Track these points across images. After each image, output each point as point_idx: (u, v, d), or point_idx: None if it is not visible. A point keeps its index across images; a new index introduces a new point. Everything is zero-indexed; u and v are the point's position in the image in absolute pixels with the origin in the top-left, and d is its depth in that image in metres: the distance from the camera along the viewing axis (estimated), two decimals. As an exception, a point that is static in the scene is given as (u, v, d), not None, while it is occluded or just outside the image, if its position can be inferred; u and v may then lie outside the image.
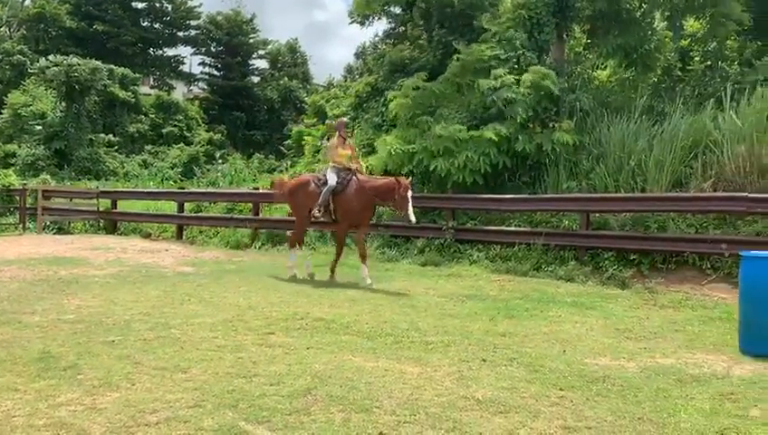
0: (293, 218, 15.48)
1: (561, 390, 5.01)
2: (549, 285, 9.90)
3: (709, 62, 17.67)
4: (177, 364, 5.56)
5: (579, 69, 16.03)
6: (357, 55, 48.32)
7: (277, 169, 27.31)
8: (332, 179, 10.17)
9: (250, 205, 16.07)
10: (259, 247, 14.64)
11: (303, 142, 22.10)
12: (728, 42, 17.55)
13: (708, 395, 4.87)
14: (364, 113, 19.00)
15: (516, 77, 13.31)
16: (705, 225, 10.71)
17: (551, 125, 13.15)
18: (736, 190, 10.56)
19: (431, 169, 12.95)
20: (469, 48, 14.40)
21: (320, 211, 10.25)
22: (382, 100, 17.58)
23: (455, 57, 14.41)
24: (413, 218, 9.55)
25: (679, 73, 18.19)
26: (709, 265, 10.09)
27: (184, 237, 16.57)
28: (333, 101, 24.23)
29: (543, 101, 13.17)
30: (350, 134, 10.92)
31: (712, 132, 11.46)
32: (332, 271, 10.35)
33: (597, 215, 11.35)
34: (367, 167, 14.59)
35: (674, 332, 6.96)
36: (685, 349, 6.22)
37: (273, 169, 27.89)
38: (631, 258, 10.66)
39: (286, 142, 27.89)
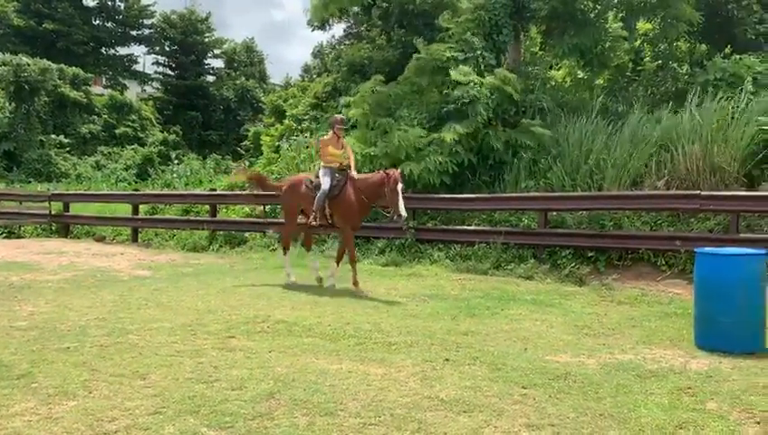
0: (254, 220, 15.46)
1: (523, 388, 5.04)
2: (509, 283, 9.99)
3: (660, 62, 18.08)
4: (135, 370, 5.44)
5: (536, 69, 16.20)
6: (315, 55, 48.12)
7: (233, 170, 27.04)
8: (326, 183, 9.47)
9: (207, 206, 15.86)
10: (217, 250, 14.46)
11: (261, 143, 21.88)
12: (678, 43, 17.98)
13: (667, 390, 4.96)
14: (323, 113, 18.96)
15: (477, 78, 13.38)
16: (659, 222, 10.95)
17: (521, 121, 13.27)
18: (689, 188, 10.81)
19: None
20: (428, 48, 14.45)
21: (316, 219, 9.62)
22: (341, 99, 17.55)
23: (414, 56, 14.43)
24: (403, 212, 8.84)
25: (629, 74, 18.59)
26: (664, 262, 10.30)
27: (139, 240, 16.27)
28: (292, 100, 24.06)
29: (504, 102, 13.28)
30: (346, 132, 10.26)
31: (668, 132, 11.69)
32: (355, 283, 9.37)
33: (555, 213, 11.49)
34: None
35: (631, 328, 7.08)
36: (643, 344, 6.33)
37: (230, 170, 27.59)
38: (588, 256, 10.83)
39: (243, 143, 27.58)
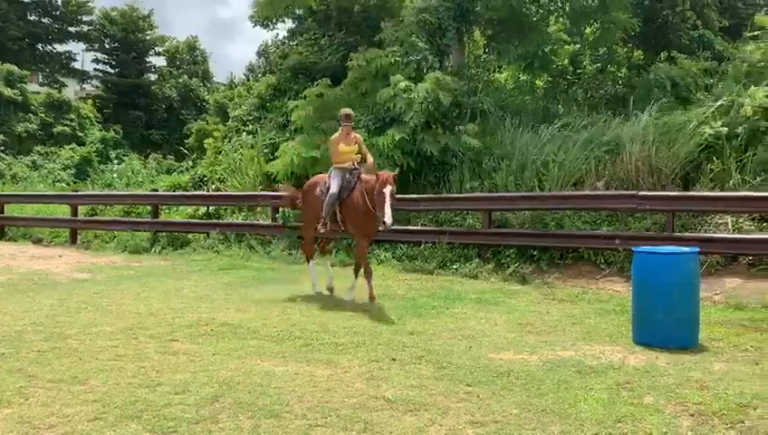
0: (196, 221, 15.24)
1: (468, 385, 5.12)
2: (454, 282, 10.09)
3: (599, 66, 18.56)
4: (74, 376, 5.30)
5: (479, 72, 16.43)
6: (259, 54, 47.66)
7: (176, 170, 26.53)
8: (334, 186, 8.66)
9: (149, 207, 15.55)
10: (159, 251, 14.17)
11: (205, 143, 21.56)
12: (616, 47, 18.48)
13: (606, 385, 5.10)
14: (267, 113, 18.77)
15: (414, 83, 13.42)
16: (598, 222, 11.22)
17: (457, 128, 13.40)
18: (628, 189, 11.12)
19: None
20: (368, 53, 14.44)
21: (324, 225, 8.81)
22: (286, 100, 17.43)
23: (354, 62, 14.43)
24: (388, 220, 7.77)
25: (569, 77, 19.04)
26: (603, 260, 10.56)
27: (78, 242, 15.82)
28: (236, 100, 23.77)
29: (441, 105, 13.37)
30: (353, 126, 9.17)
31: (613, 135, 12.02)
32: (371, 298, 8.48)
33: (499, 213, 11.67)
34: (276, 173, 14.40)
35: (572, 325, 7.25)
36: (583, 341, 6.49)
37: (173, 171, 27.08)
38: (531, 255, 11.03)
39: (187, 143, 27.12)
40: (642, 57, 18.35)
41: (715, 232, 10.13)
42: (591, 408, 4.60)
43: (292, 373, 5.38)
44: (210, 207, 15.35)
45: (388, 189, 7.88)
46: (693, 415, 4.50)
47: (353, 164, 8.74)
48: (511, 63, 17.62)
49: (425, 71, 13.88)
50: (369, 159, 8.87)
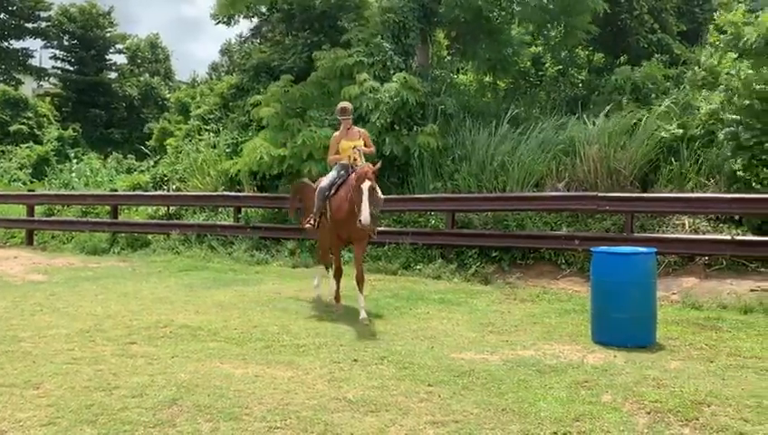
0: (156, 222, 15.01)
1: (429, 385, 5.12)
2: (417, 283, 10.11)
3: (561, 68, 18.78)
4: (28, 380, 5.17)
5: (442, 73, 16.50)
6: (222, 52, 47.19)
7: (137, 170, 26.11)
8: (326, 179, 8.02)
9: (108, 208, 15.28)
10: (118, 252, 13.93)
11: (166, 143, 21.25)
12: (577, 51, 18.73)
13: (565, 384, 5.15)
14: (230, 113, 18.59)
15: (379, 83, 13.42)
16: (558, 222, 11.35)
17: (415, 129, 13.42)
18: (588, 190, 11.27)
19: (304, 172, 12.89)
20: (332, 53, 14.38)
21: (313, 222, 8.12)
22: (249, 99, 17.28)
23: (318, 61, 14.37)
24: (363, 218, 6.98)
25: (531, 79, 19.24)
26: (564, 261, 10.68)
27: (35, 243, 15.46)
28: (198, 99, 23.48)
29: (407, 105, 13.40)
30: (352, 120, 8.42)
31: (571, 137, 12.16)
32: (336, 299, 8.16)
33: (462, 214, 11.73)
34: (238, 172, 14.24)
35: (533, 324, 7.32)
36: (543, 340, 6.55)
37: (133, 170, 26.60)
38: (493, 255, 11.11)
39: (149, 142, 26.65)
40: (602, 60, 18.63)
41: (672, 233, 10.33)
42: (550, 407, 4.64)
43: (253, 376, 5.33)
44: (171, 208, 15.14)
45: (366, 185, 7.10)
46: (649, 413, 4.57)
47: (353, 159, 7.89)
48: (473, 65, 17.75)
49: (391, 71, 13.87)
50: (367, 149, 8.23)
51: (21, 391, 4.93)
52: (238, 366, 5.60)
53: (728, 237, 9.67)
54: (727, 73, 11.39)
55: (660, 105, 12.22)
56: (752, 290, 8.88)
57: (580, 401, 4.79)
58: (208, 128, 18.45)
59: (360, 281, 7.72)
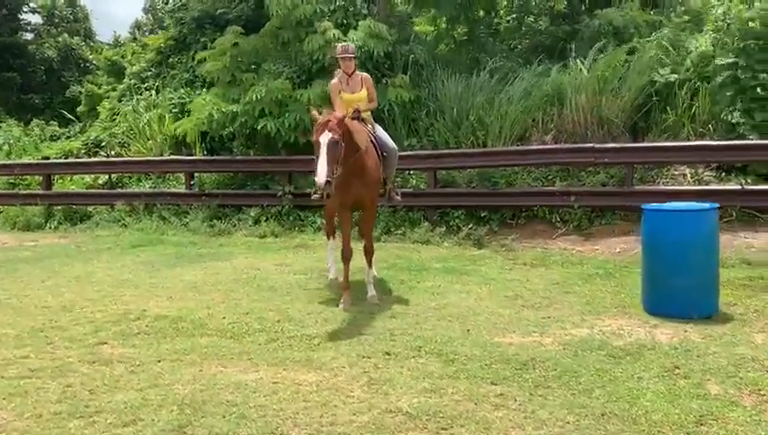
0: (97, 191, 13.49)
1: (493, 384, 4.17)
2: (407, 249, 9.12)
3: (515, 17, 17.83)
4: (-26, 408, 3.96)
5: (404, 20, 15.32)
6: (146, 10, 44.30)
7: (63, 137, 24.08)
8: (324, 140, 5.84)
9: (39, 178, 13.65)
10: (56, 227, 12.44)
11: (99, 106, 19.40)
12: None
13: (654, 372, 4.27)
14: (170, 69, 16.96)
15: (344, 31, 12.23)
16: (549, 177, 10.52)
17: (384, 81, 12.29)
18: (577, 142, 10.45)
19: (258, 128, 11.64)
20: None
21: (317, 191, 6.08)
22: (192, 54, 15.74)
23: (273, 12, 12.95)
24: (318, 178, 5.61)
25: (485, 29, 18.22)
26: (558, 219, 9.91)
27: (-44, 221, 13.70)
28: (130, 57, 21.57)
29: (375, 55, 12.22)
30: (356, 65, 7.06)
31: (555, 85, 11.27)
32: (344, 286, 6.47)
33: (444, 172, 10.77)
34: (185, 134, 12.81)
35: (563, 294, 6.43)
36: (589, 314, 5.67)
37: (58, 137, 24.49)
38: (481, 216, 10.23)
39: (79, 109, 24.52)
40: (565, 7, 17.77)
41: (672, 185, 9.64)
42: (657, 406, 3.76)
43: (270, 383, 4.24)
44: (113, 175, 13.62)
45: (325, 138, 5.67)
46: (774, 405, 3.75)
47: (356, 112, 6.44)
48: (428, 13, 16.63)
49: (352, 18, 12.63)
50: (370, 104, 7.00)
51: (-32, 423, 3.74)
52: (246, 370, 4.50)
53: (738, 187, 9.03)
54: (717, 13, 10.69)
55: (651, 43, 11.42)
56: (769, 243, 8.31)
57: (685, 395, 3.92)
58: (146, 86, 16.78)
59: (368, 252, 6.61)
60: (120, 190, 13.23)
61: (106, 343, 5.19)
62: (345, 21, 12.64)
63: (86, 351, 4.98)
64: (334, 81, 7.00)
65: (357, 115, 6.49)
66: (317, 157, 5.71)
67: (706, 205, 5.76)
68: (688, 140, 10.05)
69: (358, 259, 6.82)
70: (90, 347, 5.08)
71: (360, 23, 12.32)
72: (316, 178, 5.68)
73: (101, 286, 7.23)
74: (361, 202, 6.51)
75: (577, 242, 9.35)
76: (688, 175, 9.87)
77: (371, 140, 6.60)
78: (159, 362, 4.71)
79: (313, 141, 5.81)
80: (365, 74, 7.22)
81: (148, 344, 5.12)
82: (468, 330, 5.30)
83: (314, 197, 6.62)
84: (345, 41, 11.76)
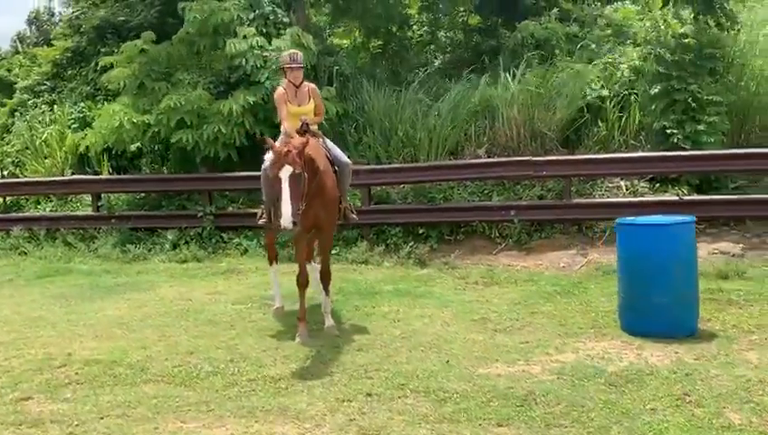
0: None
1: (498, 425, 3.74)
2: (348, 271, 8.58)
3: (426, 30, 17.75)
4: None
5: (324, 33, 14.88)
6: (30, 22, 41.75)
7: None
8: (269, 157, 5.66)
9: None
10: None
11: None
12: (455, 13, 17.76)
13: (665, 403, 3.95)
14: (68, 82, 15.71)
15: (267, 39, 11.62)
16: (485, 192, 10.28)
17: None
18: (511, 155, 10.29)
19: (173, 141, 10.83)
20: (203, 3, 12.25)
21: (262, 215, 6.11)
22: (92, 65, 14.62)
23: (188, 17, 12.14)
24: (283, 219, 5.03)
25: (395, 44, 18.05)
26: (498, 233, 9.64)
27: None
28: (19, 70, 19.95)
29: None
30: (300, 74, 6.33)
31: (482, 98, 11.08)
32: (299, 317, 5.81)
33: (378, 188, 10.33)
34: (87, 148, 11.78)
35: (531, 315, 6.09)
36: (567, 337, 5.34)
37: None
38: (419, 232, 9.83)
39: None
40: (479, 22, 17.82)
41: (608, 197, 9.61)
42: (686, 442, 3.42)
43: (244, 441, 3.62)
44: (8, 198, 12.34)
45: (285, 173, 5.06)
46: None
47: (304, 126, 5.85)
48: (345, 26, 16.29)
49: (273, 28, 12.02)
50: (316, 117, 6.36)
51: None
52: (211, 425, 3.85)
53: (676, 198, 9.08)
54: (646, 26, 10.86)
55: (569, 65, 11.45)
56: (712, 253, 8.36)
57: (708, 426, 3.62)
58: (42, 101, 15.47)
59: (325, 278, 6.04)
60: (15, 214, 11.99)
61: (30, 397, 4.38)
62: (265, 30, 12.01)
63: (8, 411, 4.16)
64: (280, 90, 6.30)
65: (306, 129, 5.93)
66: (277, 193, 5.12)
67: (685, 217, 5.58)
68: (620, 151, 10.10)
69: (288, 285, 6.23)
70: (11, 404, 4.26)
71: (287, 30, 11.73)
72: (281, 221, 5.05)
73: (11, 326, 6.29)
74: (319, 225, 5.91)
75: (519, 257, 9.10)
76: (623, 187, 9.87)
77: (326, 156, 6.05)
78: (102, 419, 3.98)
79: (271, 176, 5.20)
80: (312, 85, 6.56)
81: (84, 397, 4.34)
82: (448, 361, 4.84)
83: (261, 222, 6.07)
84: (271, 48, 11.20)
